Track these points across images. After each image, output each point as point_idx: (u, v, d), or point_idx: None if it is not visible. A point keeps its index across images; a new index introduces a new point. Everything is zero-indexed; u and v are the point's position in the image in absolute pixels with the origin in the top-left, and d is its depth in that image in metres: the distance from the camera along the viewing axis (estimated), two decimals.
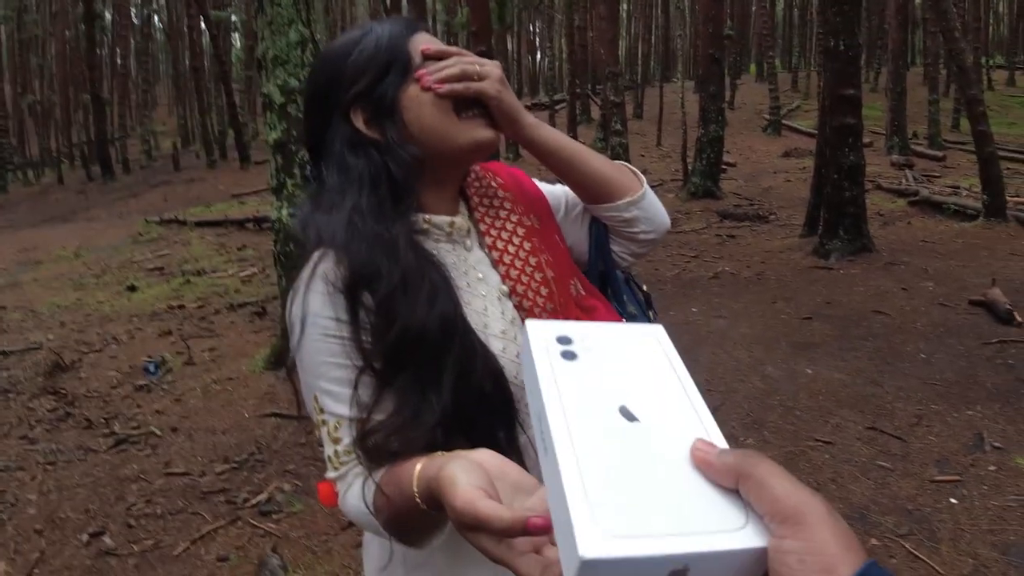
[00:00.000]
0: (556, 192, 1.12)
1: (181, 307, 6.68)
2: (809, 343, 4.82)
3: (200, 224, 10.81)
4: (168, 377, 4.88)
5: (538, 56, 47.15)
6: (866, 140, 7.97)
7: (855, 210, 7.15)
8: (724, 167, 12.17)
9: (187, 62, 27.21)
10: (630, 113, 19.82)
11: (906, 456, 3.30)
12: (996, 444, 3.32)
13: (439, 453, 0.74)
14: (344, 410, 0.86)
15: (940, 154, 14.42)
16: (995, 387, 3.92)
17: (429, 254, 0.90)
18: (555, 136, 1.02)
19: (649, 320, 1.17)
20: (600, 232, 1.10)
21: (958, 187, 10.32)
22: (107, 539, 3.00)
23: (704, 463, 0.46)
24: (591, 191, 1.05)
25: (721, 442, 0.48)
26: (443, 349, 0.83)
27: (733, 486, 0.44)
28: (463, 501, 0.59)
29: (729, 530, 0.42)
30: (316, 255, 0.88)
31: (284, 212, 4.24)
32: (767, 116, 19.73)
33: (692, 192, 10.98)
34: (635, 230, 1.07)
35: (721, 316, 5.51)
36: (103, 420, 4.22)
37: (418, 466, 0.73)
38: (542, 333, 0.55)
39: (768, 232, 8.64)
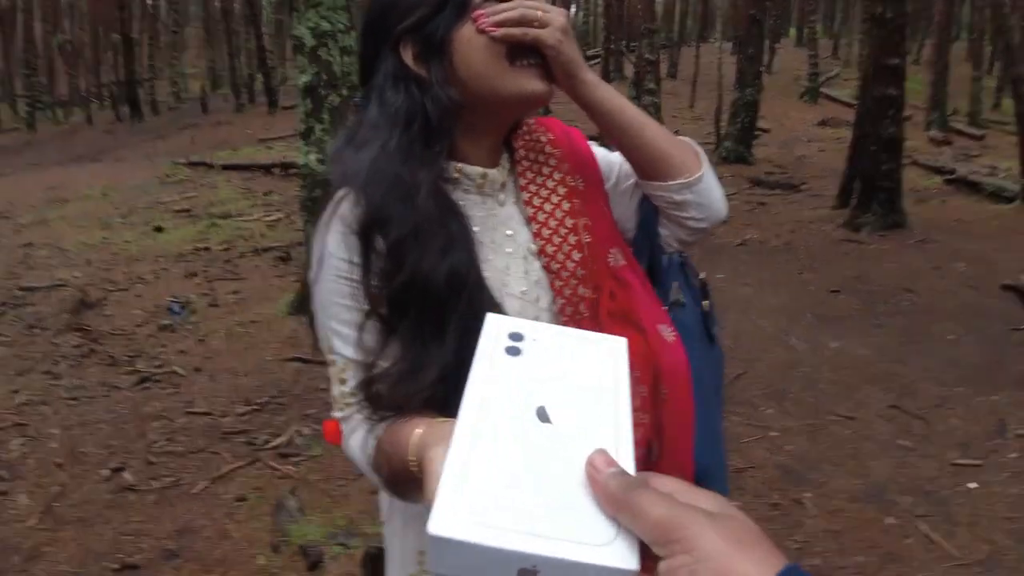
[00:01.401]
0: (611, 159, 1.05)
1: (207, 249, 6.73)
2: (835, 316, 4.75)
3: (227, 167, 10.81)
4: (192, 318, 4.94)
5: (572, 9, 46.15)
6: (905, 114, 7.71)
7: (890, 184, 6.98)
8: (757, 133, 11.88)
9: (218, 4, 26.97)
10: (664, 72, 19.35)
11: (928, 437, 3.26)
12: (1019, 432, 3.26)
13: (439, 420, 0.73)
14: (351, 352, 0.86)
15: (980, 133, 13.98)
16: (1021, 374, 3.84)
17: (454, 204, 0.88)
18: (614, 99, 0.95)
19: (701, 309, 1.12)
20: (649, 211, 1.04)
21: (996, 168, 10.01)
22: (127, 475, 3.06)
23: (592, 480, 0.45)
24: (643, 165, 0.98)
25: (629, 463, 0.47)
26: (449, 303, 0.82)
27: (612, 514, 0.44)
28: (432, 470, 0.60)
29: (589, 544, 0.42)
30: (340, 194, 0.87)
31: (312, 158, 4.20)
32: (805, 83, 19.19)
33: (723, 157, 10.77)
34: (685, 215, 1.00)
35: (747, 284, 5.44)
36: (127, 358, 4.29)
37: (416, 432, 0.73)
38: (497, 325, 0.58)
39: (799, 202, 8.48)
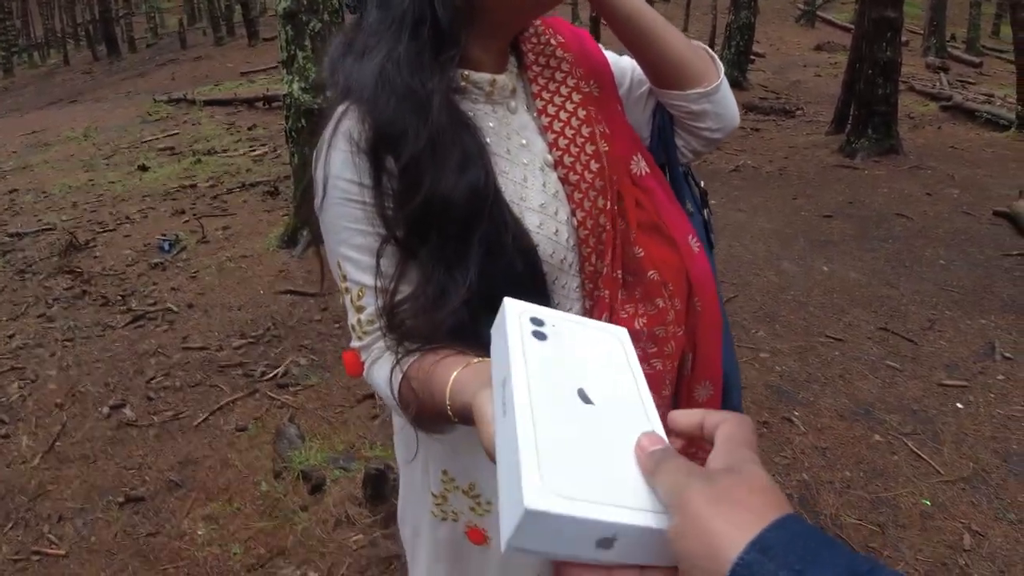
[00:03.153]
0: (623, 64, 1.00)
1: (193, 186, 6.63)
2: (827, 241, 4.76)
3: (209, 103, 10.57)
4: (183, 255, 4.90)
5: None
6: (903, 39, 7.55)
7: (886, 109, 6.89)
8: (753, 57, 11.66)
9: None
10: None
11: (916, 359, 3.31)
12: (1007, 354, 3.31)
13: (475, 361, 0.71)
14: (367, 279, 0.81)
15: (977, 60, 13.79)
16: (1011, 298, 3.88)
17: (465, 116, 0.82)
18: (633, 1, 0.89)
19: (703, 217, 1.10)
20: (665, 121, 0.99)
21: (993, 95, 9.90)
22: (127, 411, 3.09)
23: (639, 458, 0.49)
24: (662, 73, 0.93)
25: (662, 435, 0.52)
26: (471, 222, 0.77)
27: (653, 486, 0.47)
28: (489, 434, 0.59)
29: (655, 511, 0.46)
30: (340, 109, 0.81)
31: (295, 86, 4.10)
32: (801, 6, 18.76)
33: None
34: (701, 125, 0.96)
35: (740, 210, 5.42)
36: (119, 297, 4.27)
37: (451, 378, 0.70)
38: (518, 309, 0.60)
39: (794, 127, 8.39)
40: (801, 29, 17.50)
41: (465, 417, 0.68)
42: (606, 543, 0.45)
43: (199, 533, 2.35)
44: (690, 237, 0.95)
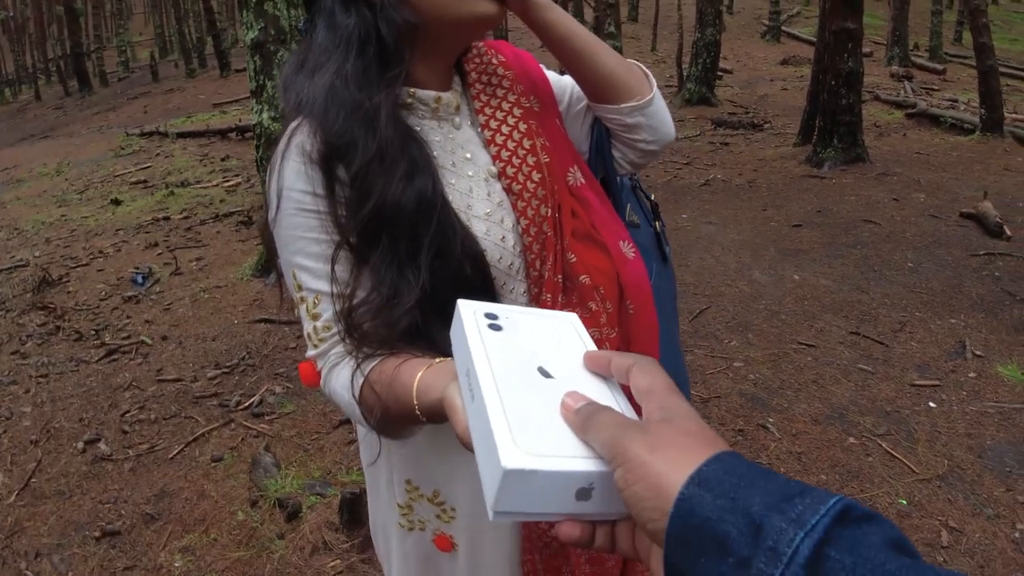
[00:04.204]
0: (562, 83, 1.05)
1: (166, 219, 6.60)
2: (797, 250, 4.82)
3: (182, 135, 10.54)
4: (156, 288, 4.87)
5: None
6: (866, 50, 7.74)
7: (851, 118, 7.02)
8: (720, 74, 11.85)
9: None
10: (625, 15, 19.15)
11: (887, 360, 3.36)
12: (977, 352, 3.37)
13: (437, 361, 0.74)
14: (323, 285, 0.84)
15: (940, 67, 14.10)
16: (980, 297, 3.95)
17: (412, 130, 0.87)
18: (566, 21, 0.94)
19: (654, 230, 1.14)
20: (601, 134, 1.04)
21: (956, 100, 10.12)
22: (102, 445, 3.05)
23: (564, 414, 0.52)
24: (595, 88, 0.98)
25: (624, 403, 0.55)
26: (420, 226, 0.81)
27: (583, 439, 0.50)
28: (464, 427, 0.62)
29: None
30: (293, 124, 0.84)
31: (265, 116, 4.12)
32: (766, 22, 19.11)
33: (687, 99, 10.73)
34: (636, 137, 1.01)
35: (710, 222, 5.49)
36: (93, 332, 4.23)
37: (416, 379, 0.72)
38: (471, 308, 0.64)
39: (762, 140, 8.52)
40: (767, 44, 17.83)
41: (434, 414, 0.70)
42: (584, 493, 0.48)
43: (176, 565, 2.32)
44: (623, 243, 0.99)
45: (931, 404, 3.01)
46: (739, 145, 8.30)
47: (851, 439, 2.79)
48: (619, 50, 12.22)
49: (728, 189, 6.48)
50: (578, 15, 21.62)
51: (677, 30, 12.11)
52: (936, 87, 12.15)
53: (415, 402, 0.72)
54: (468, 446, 0.59)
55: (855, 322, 3.75)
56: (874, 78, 11.75)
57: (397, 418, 0.77)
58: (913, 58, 14.56)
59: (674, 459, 0.44)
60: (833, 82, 7.06)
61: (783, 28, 18.86)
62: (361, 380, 0.81)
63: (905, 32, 14.41)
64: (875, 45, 14.86)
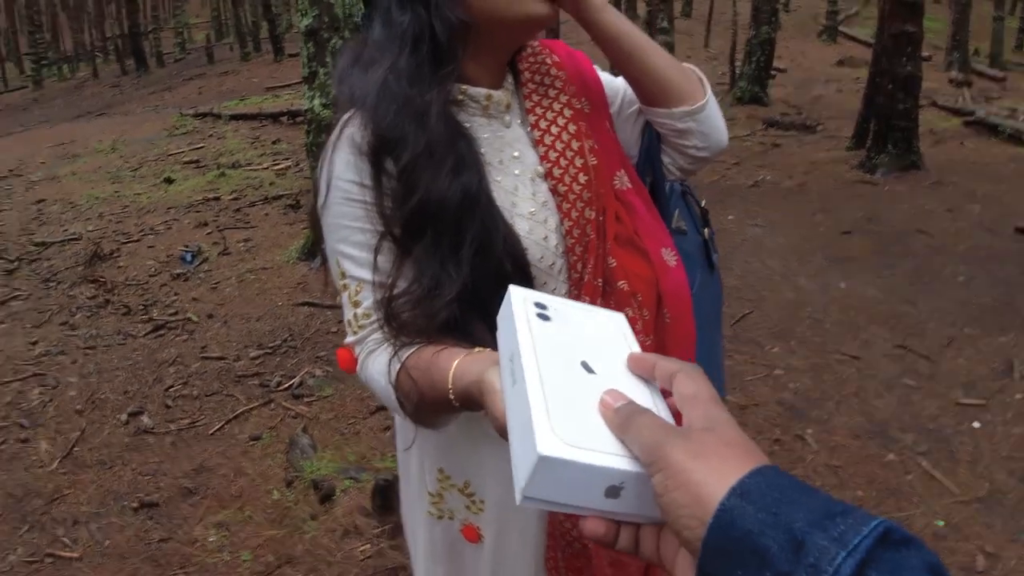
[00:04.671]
0: (615, 84, 1.05)
1: (216, 199, 6.74)
2: (846, 257, 4.72)
3: (234, 117, 10.74)
4: (204, 266, 4.99)
5: None
6: (925, 54, 7.49)
7: (907, 124, 6.82)
8: (774, 73, 11.58)
9: None
10: (678, 11, 18.84)
11: (933, 377, 3.27)
12: None
13: (476, 350, 0.75)
14: (365, 274, 0.86)
15: (1001, 74, 13.60)
16: None
17: (461, 126, 0.88)
18: (620, 23, 0.94)
19: (702, 237, 1.13)
20: (652, 138, 1.04)
21: (1016, 110, 9.75)
22: (145, 418, 3.14)
23: (603, 414, 0.52)
24: (647, 91, 0.98)
25: (663, 407, 0.55)
26: (463, 221, 0.82)
27: (621, 439, 0.50)
28: (500, 410, 0.62)
29: None
30: (345, 116, 0.87)
31: (316, 102, 4.18)
32: (823, 21, 18.63)
33: (738, 97, 10.54)
34: (687, 143, 1.00)
35: (757, 225, 5.40)
36: (141, 307, 4.35)
37: (453, 365, 0.74)
38: (522, 295, 0.64)
39: (814, 143, 8.33)
40: (823, 44, 17.41)
41: (468, 399, 0.71)
42: (613, 491, 0.48)
43: (210, 539, 2.39)
44: (665, 250, 0.98)
45: (975, 424, 2.93)
46: (790, 147, 8.14)
47: (891, 455, 2.73)
48: (671, 46, 12.06)
49: (777, 191, 6.37)
50: (631, 10, 21.45)
51: (731, 27, 11.90)
52: (996, 95, 11.72)
53: (450, 386, 0.73)
54: (501, 430, 0.60)
55: (901, 335, 3.65)
56: (932, 83, 11.39)
57: (431, 404, 0.78)
58: (973, 64, 14.08)
59: (716, 468, 0.44)
60: (890, 86, 6.87)
61: (840, 28, 18.40)
62: (398, 366, 0.82)
63: (965, 37, 13.93)
64: (934, 49, 14.40)
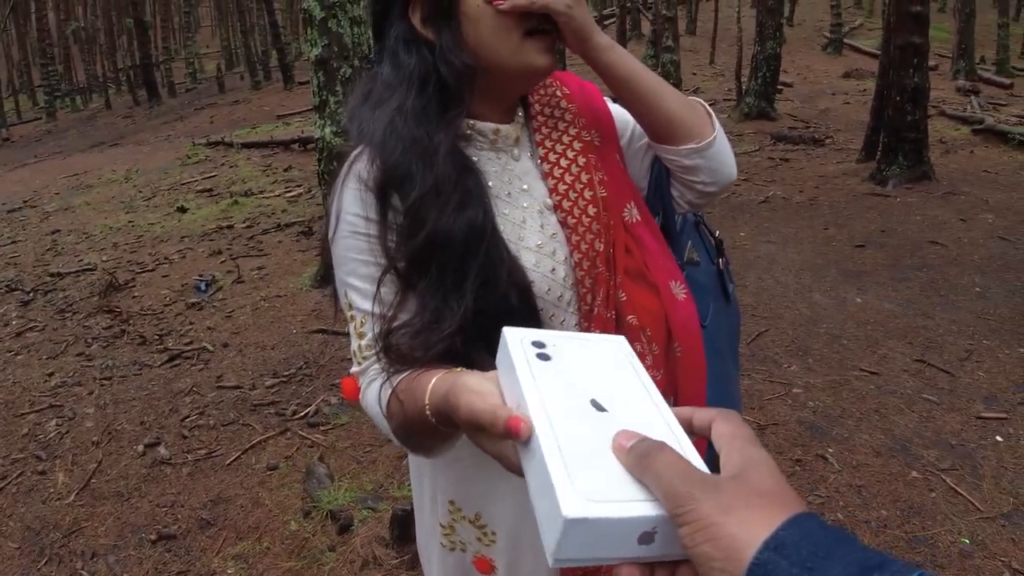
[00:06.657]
0: (625, 117, 1.05)
1: (230, 227, 6.80)
2: (860, 271, 4.69)
3: (246, 146, 10.87)
4: (218, 295, 5.02)
5: None
6: (931, 63, 7.49)
7: (916, 135, 6.82)
8: (780, 87, 11.62)
9: None
10: (683, 28, 19.00)
11: (953, 391, 3.23)
12: None
13: (458, 369, 0.74)
14: (369, 306, 0.87)
15: (1008, 81, 13.61)
16: None
17: (469, 161, 0.89)
18: (628, 63, 0.94)
19: (717, 267, 1.12)
20: (661, 172, 1.04)
21: None
22: (162, 449, 3.14)
23: (618, 453, 0.50)
24: (655, 129, 0.98)
25: (680, 432, 0.53)
26: (468, 255, 0.83)
27: (639, 478, 0.48)
28: (465, 401, 0.62)
29: None
30: (355, 152, 0.89)
31: (327, 131, 4.22)
32: (828, 34, 18.70)
33: (745, 113, 10.58)
34: (694, 179, 1.00)
35: (770, 241, 5.38)
36: (156, 337, 4.38)
37: (434, 380, 0.73)
38: (518, 336, 0.62)
39: (823, 156, 8.32)
40: (829, 57, 17.45)
41: (442, 413, 0.69)
42: (647, 538, 0.46)
43: (228, 572, 2.38)
44: (674, 283, 0.98)
45: (998, 438, 2.88)
46: (799, 161, 8.13)
47: (914, 473, 2.69)
48: (676, 64, 12.12)
49: (788, 206, 6.35)
50: (635, 29, 21.59)
51: (736, 43, 11.95)
52: (1004, 102, 11.71)
53: (427, 401, 0.72)
54: (465, 424, 0.61)
55: (920, 349, 3.62)
56: (939, 92, 11.38)
57: (417, 425, 0.77)
58: (979, 72, 14.07)
59: (747, 520, 0.42)
60: (898, 98, 6.87)
61: (845, 40, 18.45)
62: (389, 391, 0.83)
63: (971, 45, 13.95)
64: (940, 58, 14.40)
